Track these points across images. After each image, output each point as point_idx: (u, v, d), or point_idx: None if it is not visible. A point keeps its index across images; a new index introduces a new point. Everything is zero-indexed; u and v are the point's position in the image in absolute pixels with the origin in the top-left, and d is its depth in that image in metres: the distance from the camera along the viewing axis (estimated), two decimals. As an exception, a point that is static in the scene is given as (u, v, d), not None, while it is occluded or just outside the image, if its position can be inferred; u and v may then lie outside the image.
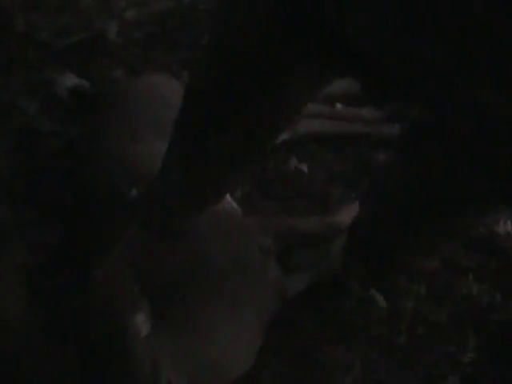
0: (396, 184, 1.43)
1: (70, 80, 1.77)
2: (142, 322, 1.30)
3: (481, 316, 1.54)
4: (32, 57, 2.01)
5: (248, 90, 1.05)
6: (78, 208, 1.57)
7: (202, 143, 1.16)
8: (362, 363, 1.48)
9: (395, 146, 1.73)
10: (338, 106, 1.84)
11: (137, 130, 1.58)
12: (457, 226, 1.40)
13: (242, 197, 1.70)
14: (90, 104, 1.76)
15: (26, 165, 1.78)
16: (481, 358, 1.46)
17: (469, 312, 1.55)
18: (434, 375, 1.47)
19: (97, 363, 1.29)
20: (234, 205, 1.54)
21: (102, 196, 1.49)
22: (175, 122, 1.22)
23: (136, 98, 1.67)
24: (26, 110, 1.89)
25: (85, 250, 1.49)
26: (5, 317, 1.40)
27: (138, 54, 2.02)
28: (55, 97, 1.85)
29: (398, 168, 1.43)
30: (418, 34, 0.83)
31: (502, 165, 1.13)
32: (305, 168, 1.75)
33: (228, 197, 1.55)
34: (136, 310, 1.31)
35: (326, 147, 1.79)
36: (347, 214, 1.55)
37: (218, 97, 1.09)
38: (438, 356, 1.49)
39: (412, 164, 1.36)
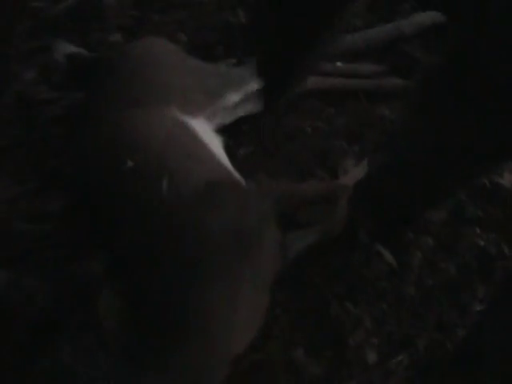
0: (405, 136, 1.42)
1: (67, 48, 1.75)
2: None
3: (488, 266, 1.55)
4: (27, 24, 2.00)
5: None
6: (78, 177, 1.57)
7: None
8: (371, 316, 1.49)
9: (398, 99, 1.73)
10: (339, 64, 1.83)
11: (134, 95, 1.57)
12: (465, 175, 1.40)
13: (245, 155, 1.70)
14: (87, 69, 1.74)
15: (26, 133, 1.78)
16: (489, 307, 1.47)
17: (476, 262, 1.56)
18: (444, 325, 1.47)
19: None
20: (231, 170, 1.54)
21: (99, 166, 1.49)
22: None
23: (133, 62, 1.65)
24: (22, 76, 1.88)
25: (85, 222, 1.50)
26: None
27: (133, 16, 2.00)
28: (52, 63, 1.83)
29: (406, 121, 1.42)
30: None
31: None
32: (307, 124, 1.75)
33: (226, 162, 1.55)
34: None
35: (328, 102, 1.79)
36: (353, 177, 1.54)
37: None
38: (448, 306, 1.49)
39: (421, 116, 1.35)
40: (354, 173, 1.57)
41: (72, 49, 1.78)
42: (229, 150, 1.65)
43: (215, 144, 1.58)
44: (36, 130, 1.78)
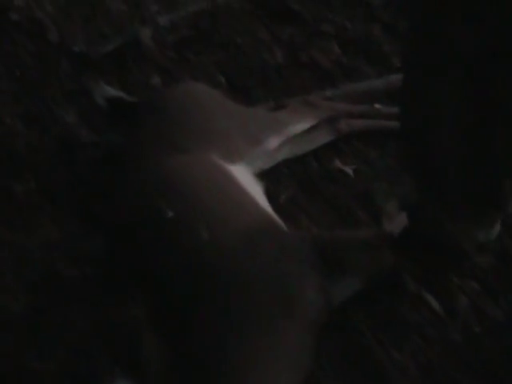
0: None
1: (108, 91, 1.77)
2: None
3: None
4: (67, 67, 2.02)
5: None
6: (119, 221, 1.57)
7: None
8: (417, 364, 1.46)
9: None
10: (377, 105, 1.83)
11: (176, 140, 1.58)
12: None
13: (287, 199, 1.69)
14: (128, 113, 1.75)
15: (67, 176, 1.79)
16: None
17: (525, 307, 1.53)
18: (492, 373, 1.45)
19: None
20: (273, 215, 1.54)
21: (139, 213, 1.49)
22: None
23: (174, 107, 1.66)
24: (64, 119, 1.90)
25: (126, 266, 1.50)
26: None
27: (173, 58, 2.01)
28: (93, 106, 1.85)
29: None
30: None
31: None
32: (349, 167, 1.74)
33: (267, 208, 1.55)
34: None
35: (370, 145, 1.78)
36: (398, 224, 1.53)
37: None
38: (497, 354, 1.47)
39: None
40: (398, 219, 1.56)
41: (112, 92, 1.80)
42: (270, 194, 1.64)
43: (256, 189, 1.58)
44: (77, 174, 1.79)
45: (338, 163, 1.75)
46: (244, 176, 1.57)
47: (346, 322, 1.49)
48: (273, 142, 1.67)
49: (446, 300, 1.52)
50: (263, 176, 1.68)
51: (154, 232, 1.45)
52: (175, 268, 1.40)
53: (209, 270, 1.37)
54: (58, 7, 2.19)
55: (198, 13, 2.11)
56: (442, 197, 1.43)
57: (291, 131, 1.70)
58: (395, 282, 1.51)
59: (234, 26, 2.09)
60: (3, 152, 1.83)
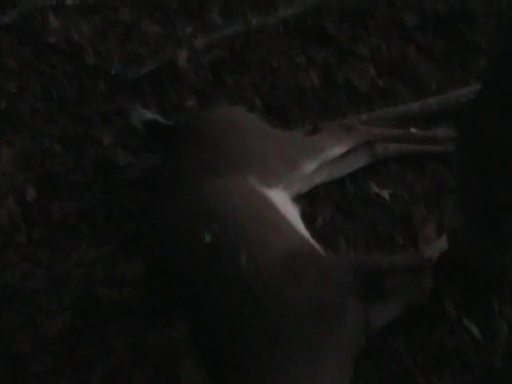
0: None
1: (144, 114, 1.78)
2: None
3: None
4: (103, 88, 2.04)
5: None
6: (156, 242, 1.57)
7: None
8: (457, 388, 1.45)
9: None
10: (412, 130, 1.83)
11: (213, 164, 1.58)
12: None
13: (324, 222, 1.69)
14: (164, 135, 1.76)
15: (104, 197, 1.80)
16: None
17: None
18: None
19: None
20: (310, 240, 1.53)
21: (177, 237, 1.50)
22: None
23: (211, 130, 1.67)
24: (100, 140, 1.91)
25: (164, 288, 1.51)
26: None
27: (208, 79, 2.02)
28: (129, 127, 1.86)
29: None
30: None
31: None
32: (386, 190, 1.74)
33: (304, 232, 1.54)
34: None
35: (406, 168, 1.78)
36: (437, 249, 1.52)
37: None
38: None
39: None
40: (437, 244, 1.55)
41: (149, 115, 1.80)
42: (307, 217, 1.64)
43: (293, 214, 1.59)
44: (114, 194, 1.80)
45: (374, 187, 1.75)
46: (281, 200, 1.57)
47: (385, 346, 1.48)
48: (310, 166, 1.67)
49: (486, 325, 1.50)
50: (300, 199, 1.68)
51: (192, 255, 1.45)
52: (214, 291, 1.40)
53: (247, 294, 1.37)
54: (94, 29, 2.22)
55: (233, 35, 2.12)
56: (494, 225, 1.42)
57: (328, 155, 1.70)
58: (434, 307, 1.49)
59: (269, 48, 2.10)
60: (40, 173, 1.84)
